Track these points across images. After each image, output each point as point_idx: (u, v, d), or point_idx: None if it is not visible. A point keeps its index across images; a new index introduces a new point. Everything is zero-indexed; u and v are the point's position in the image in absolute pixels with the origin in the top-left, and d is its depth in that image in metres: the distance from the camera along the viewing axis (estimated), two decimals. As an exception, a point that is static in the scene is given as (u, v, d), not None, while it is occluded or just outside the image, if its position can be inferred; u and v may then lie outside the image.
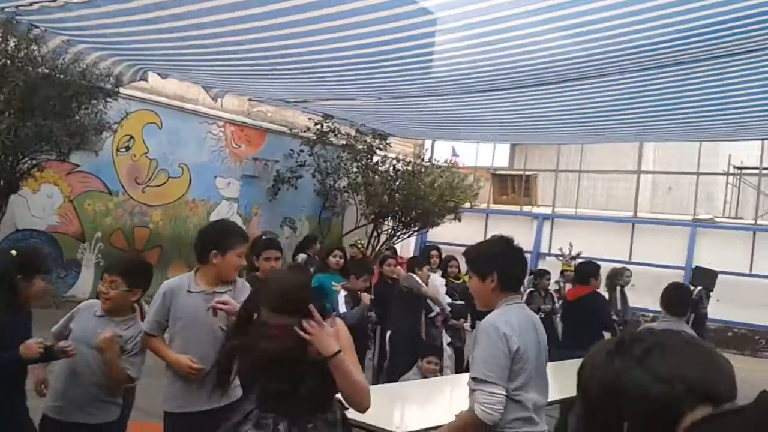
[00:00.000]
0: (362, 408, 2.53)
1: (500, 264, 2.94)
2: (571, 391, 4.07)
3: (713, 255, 14.51)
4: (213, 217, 13.53)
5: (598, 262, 10.28)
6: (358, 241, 11.07)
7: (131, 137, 11.80)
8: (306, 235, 12.51)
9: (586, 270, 6.92)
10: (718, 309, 11.60)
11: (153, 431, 5.27)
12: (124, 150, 11.74)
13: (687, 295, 5.36)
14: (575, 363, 4.71)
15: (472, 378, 2.79)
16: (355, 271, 5.98)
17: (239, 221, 13.95)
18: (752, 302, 13.48)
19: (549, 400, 3.43)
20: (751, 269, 14.00)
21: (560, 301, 8.36)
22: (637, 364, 1.05)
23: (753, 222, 14.83)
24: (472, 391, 2.80)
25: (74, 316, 3.22)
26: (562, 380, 5.07)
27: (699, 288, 8.06)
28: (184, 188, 12.97)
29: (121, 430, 3.53)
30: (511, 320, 2.85)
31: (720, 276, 13.95)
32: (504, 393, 2.75)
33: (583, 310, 6.63)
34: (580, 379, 1.12)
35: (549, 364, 3.09)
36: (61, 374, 3.07)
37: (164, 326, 3.30)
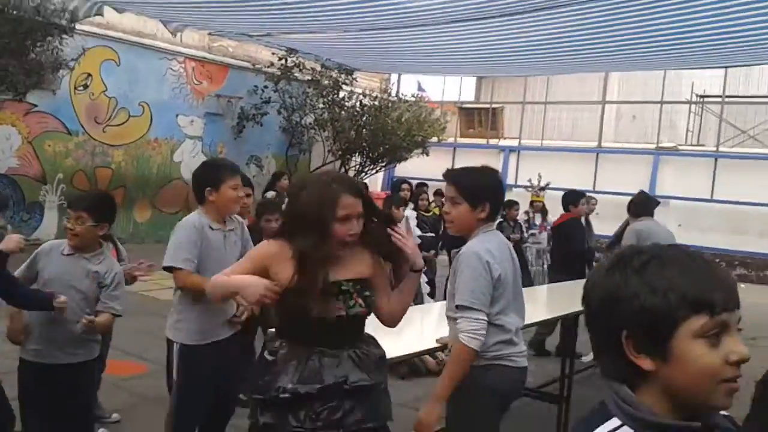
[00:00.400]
0: (396, 324, 2.64)
1: (493, 195, 2.98)
2: (550, 313, 4.19)
3: (676, 182, 14.83)
4: (176, 157, 13.34)
5: (562, 191, 10.54)
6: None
7: (89, 75, 11.45)
8: (274, 172, 12.42)
9: (566, 198, 7.32)
10: (680, 234, 11.87)
11: (130, 369, 5.32)
12: (82, 88, 11.40)
13: (651, 198, 6.11)
14: (555, 286, 4.83)
15: (457, 306, 2.83)
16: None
17: (204, 159, 13.80)
18: (713, 227, 13.87)
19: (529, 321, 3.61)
20: (712, 195, 14.34)
21: (529, 231, 8.50)
22: (634, 275, 1.07)
23: (715, 149, 15.11)
24: (454, 320, 2.85)
25: (38, 259, 3.13)
26: (543, 302, 5.30)
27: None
28: (146, 127, 12.70)
29: (100, 367, 3.54)
30: (491, 248, 2.90)
31: (682, 202, 14.33)
32: (486, 319, 2.81)
33: (560, 236, 7.18)
34: (584, 293, 1.14)
35: (530, 288, 3.19)
36: (40, 316, 3.03)
37: (195, 263, 3.30)
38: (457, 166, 16.38)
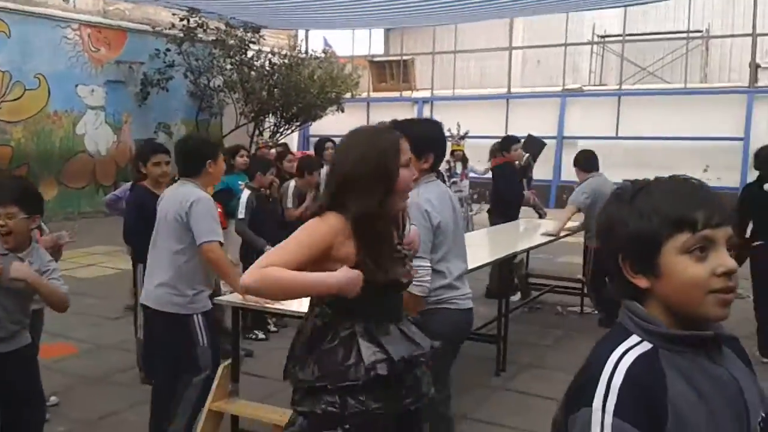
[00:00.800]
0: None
1: (437, 146, 3.05)
2: (497, 253, 4.27)
3: (582, 123, 15.33)
4: (79, 129, 12.74)
5: (477, 139, 10.73)
6: (261, 140, 10.81)
7: (-23, 48, 10.71)
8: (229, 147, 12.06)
9: (500, 143, 7.59)
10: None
11: (60, 350, 5.15)
12: (-29, 63, 10.67)
13: (593, 154, 6.29)
14: (491, 230, 4.94)
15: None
16: (259, 168, 5.75)
17: (108, 130, 13.23)
18: (618, 163, 14.43)
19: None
20: (617, 133, 14.92)
21: (451, 180, 8.62)
22: (625, 204, 1.19)
23: (617, 88, 15.65)
24: None
25: None
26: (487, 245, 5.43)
27: (527, 155, 8.77)
28: (44, 100, 12.05)
29: (33, 352, 3.40)
30: (431, 197, 2.98)
31: (589, 141, 14.84)
32: (429, 265, 2.91)
33: (494, 179, 7.47)
34: (596, 228, 1.29)
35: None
36: None
37: None
38: (372, 120, 16.38)
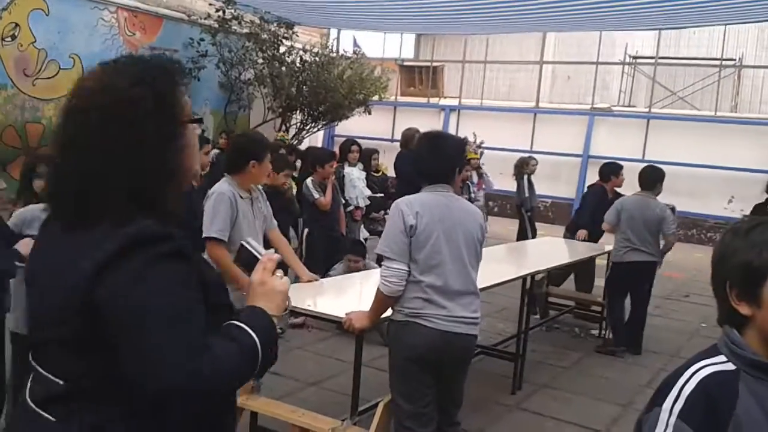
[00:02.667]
0: None
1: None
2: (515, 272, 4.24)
3: (609, 143, 15.24)
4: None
5: (502, 152, 10.70)
6: (279, 135, 10.86)
7: (16, 25, 10.81)
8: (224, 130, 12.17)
9: (607, 167, 7.48)
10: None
11: None
12: (9, 39, 10.76)
13: (658, 172, 6.22)
14: (517, 245, 4.93)
15: (377, 254, 3.10)
16: (275, 167, 5.81)
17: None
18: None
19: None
20: (644, 155, 14.82)
21: (474, 189, 8.60)
22: (741, 237, 1.32)
23: (646, 110, 15.56)
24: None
25: None
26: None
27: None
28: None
29: None
30: (414, 201, 3.01)
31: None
32: (402, 267, 2.92)
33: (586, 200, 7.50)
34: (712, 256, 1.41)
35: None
36: None
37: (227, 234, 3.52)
38: (398, 125, 16.36)
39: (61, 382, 1.31)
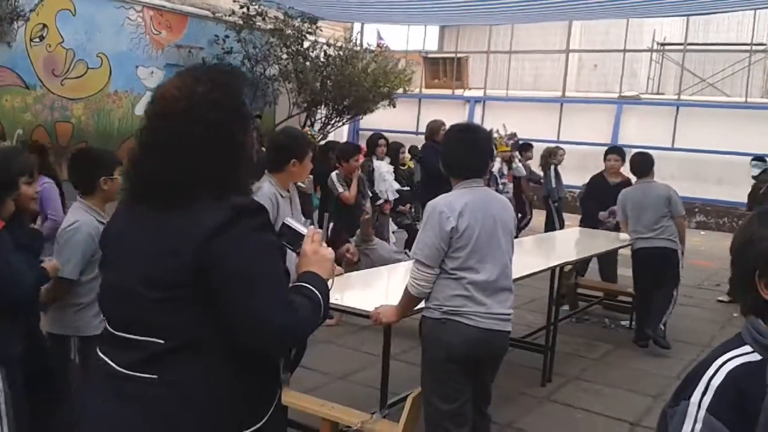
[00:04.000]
0: None
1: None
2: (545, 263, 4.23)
3: (638, 132, 15.04)
4: (138, 110, 12.98)
5: (530, 142, 10.62)
6: (306, 131, 10.88)
7: (44, 26, 10.97)
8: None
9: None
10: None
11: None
12: (38, 40, 10.94)
13: (647, 157, 6.15)
14: (547, 236, 4.90)
15: (411, 255, 3.14)
16: None
17: (166, 113, 13.45)
18: (674, 175, 14.13)
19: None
20: (673, 144, 14.61)
21: (503, 181, 8.56)
22: None
23: (675, 98, 15.32)
24: None
25: None
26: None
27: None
28: (105, 79, 12.29)
29: None
30: (454, 201, 2.96)
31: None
32: (433, 273, 2.94)
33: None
34: (732, 242, 1.37)
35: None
36: None
37: None
38: (423, 117, 16.28)
39: (161, 341, 1.53)
